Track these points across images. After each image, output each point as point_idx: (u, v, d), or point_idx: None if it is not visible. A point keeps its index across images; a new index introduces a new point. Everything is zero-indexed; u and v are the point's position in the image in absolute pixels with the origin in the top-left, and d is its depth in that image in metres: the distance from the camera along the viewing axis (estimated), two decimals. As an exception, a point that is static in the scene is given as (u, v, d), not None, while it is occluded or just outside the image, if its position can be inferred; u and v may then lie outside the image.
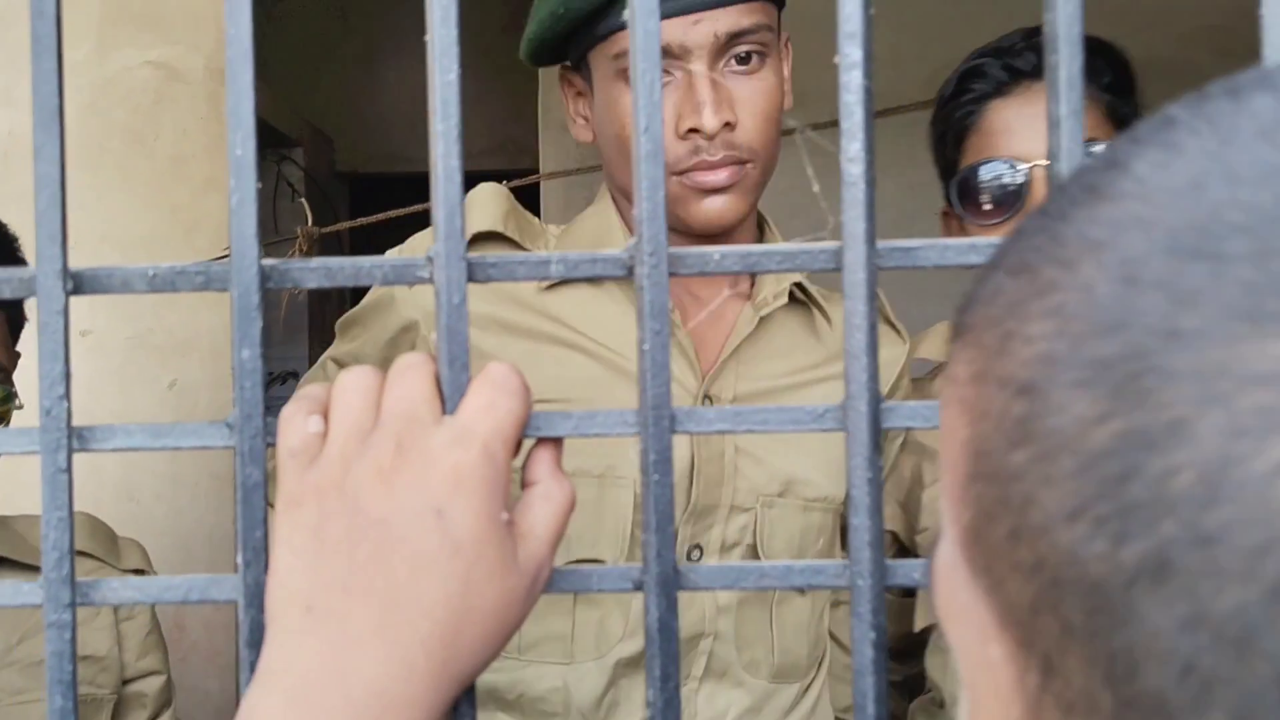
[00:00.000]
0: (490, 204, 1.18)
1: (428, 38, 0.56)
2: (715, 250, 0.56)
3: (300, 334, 3.92)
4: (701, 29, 1.08)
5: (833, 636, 1.35)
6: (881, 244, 0.55)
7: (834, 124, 0.56)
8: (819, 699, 1.27)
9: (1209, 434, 0.25)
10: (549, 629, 1.19)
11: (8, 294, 0.58)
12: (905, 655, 1.49)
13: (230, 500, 2.86)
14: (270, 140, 3.55)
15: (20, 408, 1.27)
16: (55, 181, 0.56)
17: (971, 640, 0.32)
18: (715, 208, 1.12)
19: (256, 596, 0.56)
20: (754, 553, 1.20)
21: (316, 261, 0.57)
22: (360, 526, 0.52)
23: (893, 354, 1.30)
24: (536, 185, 3.11)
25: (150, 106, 3.08)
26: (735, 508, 1.18)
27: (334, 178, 4.12)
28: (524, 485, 0.57)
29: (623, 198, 1.19)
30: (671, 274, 0.55)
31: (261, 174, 0.58)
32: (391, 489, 0.52)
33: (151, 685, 1.44)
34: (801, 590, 1.20)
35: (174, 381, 3.03)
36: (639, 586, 0.57)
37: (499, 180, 1.28)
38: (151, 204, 3.05)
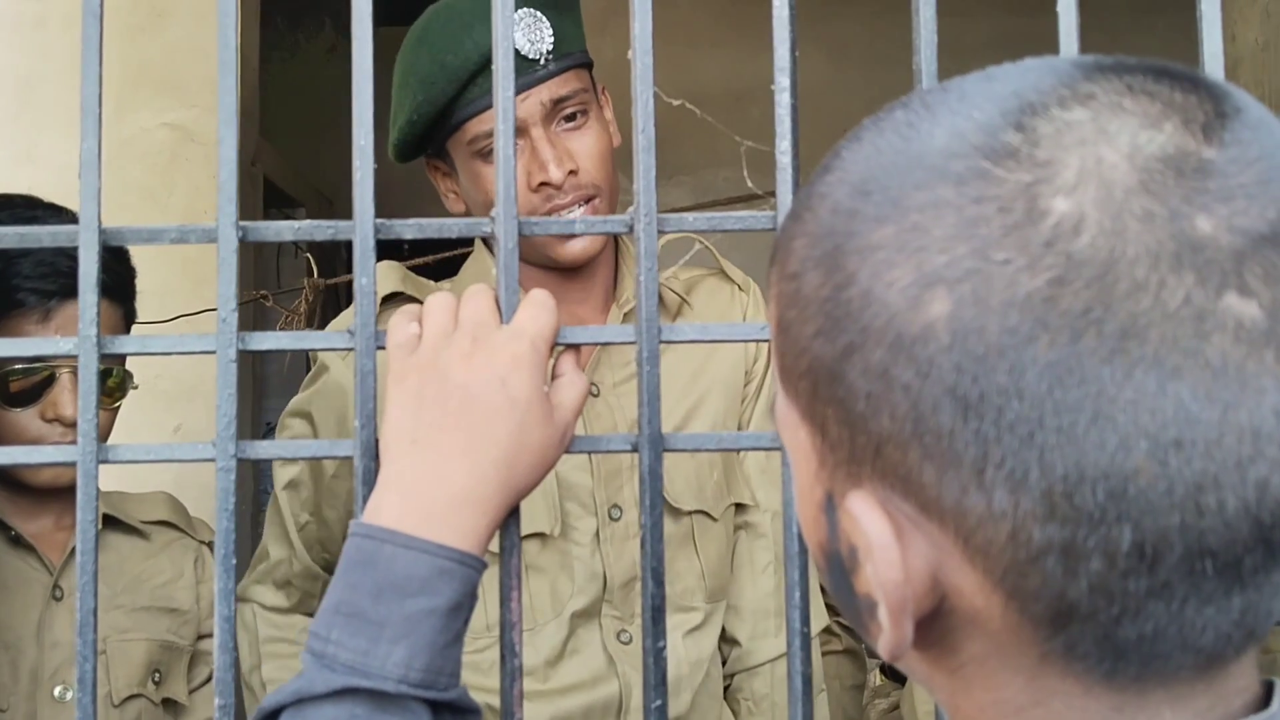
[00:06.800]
0: (388, 275, 1.45)
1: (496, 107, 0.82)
2: (689, 215, 0.82)
3: (294, 389, 4.14)
4: (530, 103, 1.35)
5: None
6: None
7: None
8: None
9: (867, 280, 0.48)
10: None
11: (193, 241, 0.83)
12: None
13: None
14: (275, 200, 3.81)
15: (136, 388, 1.51)
16: (233, 162, 0.82)
17: (791, 435, 0.55)
18: (579, 245, 1.40)
19: (370, 449, 0.81)
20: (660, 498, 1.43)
21: (413, 220, 0.83)
22: (449, 390, 0.77)
23: (721, 299, 1.56)
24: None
25: (165, 165, 3.32)
26: (635, 463, 1.40)
27: (332, 236, 4.38)
28: (554, 377, 0.83)
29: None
30: (660, 231, 0.81)
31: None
32: (471, 365, 0.77)
33: None
34: (713, 516, 1.46)
35: (179, 426, 3.24)
36: (635, 447, 0.82)
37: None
38: (164, 257, 3.23)
